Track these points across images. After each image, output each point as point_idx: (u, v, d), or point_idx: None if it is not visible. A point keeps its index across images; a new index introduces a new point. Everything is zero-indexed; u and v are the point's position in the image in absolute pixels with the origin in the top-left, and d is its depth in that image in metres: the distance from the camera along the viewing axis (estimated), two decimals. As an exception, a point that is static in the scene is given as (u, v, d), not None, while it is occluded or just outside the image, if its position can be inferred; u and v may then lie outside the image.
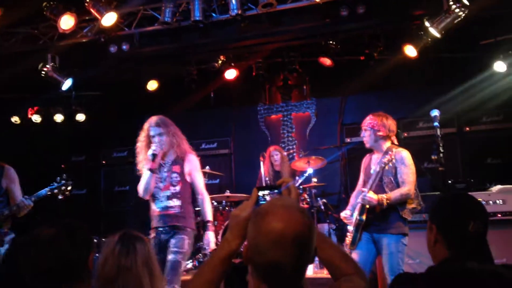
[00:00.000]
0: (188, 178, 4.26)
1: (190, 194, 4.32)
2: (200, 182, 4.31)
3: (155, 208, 4.24)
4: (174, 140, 4.27)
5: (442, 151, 4.03)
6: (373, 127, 4.17)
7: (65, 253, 1.92)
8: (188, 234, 4.13)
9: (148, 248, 2.32)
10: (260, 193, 1.83)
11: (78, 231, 2.00)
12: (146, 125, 4.31)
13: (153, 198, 4.28)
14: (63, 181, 4.30)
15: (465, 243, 1.89)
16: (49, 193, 4.25)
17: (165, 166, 4.30)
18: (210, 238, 4.23)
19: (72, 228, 1.99)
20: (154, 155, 4.15)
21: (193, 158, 4.33)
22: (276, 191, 1.83)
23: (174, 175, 4.24)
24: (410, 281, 1.74)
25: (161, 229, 4.15)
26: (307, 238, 1.52)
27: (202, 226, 4.48)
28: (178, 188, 4.22)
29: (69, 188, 4.30)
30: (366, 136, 4.24)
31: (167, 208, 4.18)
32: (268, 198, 1.83)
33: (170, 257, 3.99)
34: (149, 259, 2.26)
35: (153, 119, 4.30)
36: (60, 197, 4.29)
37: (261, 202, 1.80)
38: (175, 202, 4.18)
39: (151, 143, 4.24)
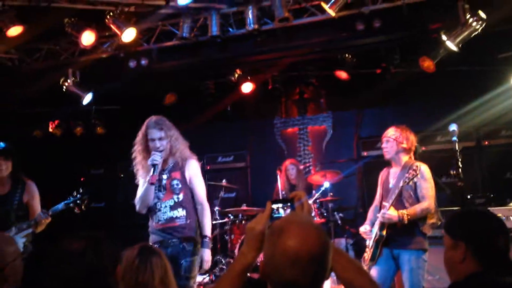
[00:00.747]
0: (189, 185, 3.89)
1: (194, 203, 3.92)
2: (200, 190, 3.91)
3: (156, 221, 3.84)
4: (176, 145, 3.90)
5: (461, 166, 3.99)
6: (397, 138, 4.16)
7: (94, 265, 1.92)
8: (197, 252, 3.78)
9: (164, 263, 2.35)
10: (274, 206, 1.85)
11: (105, 243, 2.01)
12: (144, 126, 3.93)
13: (153, 211, 3.87)
14: (79, 195, 4.30)
15: (495, 258, 1.89)
16: (65, 207, 4.27)
17: (164, 172, 3.91)
18: (206, 257, 3.80)
19: (99, 240, 1.99)
20: (155, 166, 3.75)
21: (194, 163, 3.96)
22: (289, 204, 1.85)
23: (175, 182, 3.86)
24: None
25: (169, 241, 3.77)
26: (323, 256, 1.54)
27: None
28: (181, 196, 3.83)
29: (85, 202, 4.30)
30: (387, 147, 4.21)
31: (172, 219, 3.79)
32: (281, 211, 1.85)
33: (181, 282, 3.59)
34: (165, 274, 2.30)
35: (153, 119, 3.92)
36: (76, 210, 4.30)
37: (275, 216, 1.82)
38: (180, 212, 3.80)
39: (149, 147, 3.88)
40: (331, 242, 1.64)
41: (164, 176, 3.90)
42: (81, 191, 4.32)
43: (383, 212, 3.96)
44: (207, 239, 3.82)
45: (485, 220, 1.99)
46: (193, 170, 3.93)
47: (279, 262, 1.52)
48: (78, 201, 4.29)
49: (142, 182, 3.93)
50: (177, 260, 3.68)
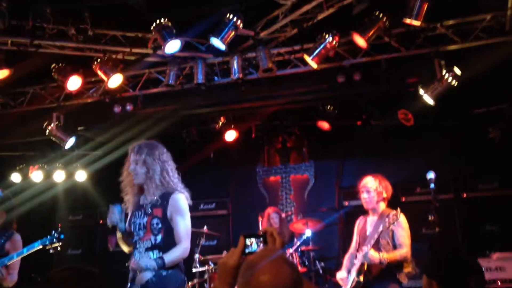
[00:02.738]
0: (171, 224, 3.50)
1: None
2: (181, 228, 3.48)
3: (133, 260, 3.53)
4: (155, 171, 3.52)
5: (438, 213, 4.07)
6: (377, 189, 4.24)
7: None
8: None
9: None
10: (247, 241, 1.86)
11: (88, 276, 2.00)
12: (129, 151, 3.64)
13: (134, 247, 3.58)
14: (56, 235, 4.27)
15: None
16: (41, 245, 4.23)
17: (145, 208, 3.56)
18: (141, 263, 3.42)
19: (82, 273, 1.99)
20: (113, 226, 3.49)
21: (178, 198, 3.53)
22: (261, 238, 1.86)
23: (155, 221, 3.49)
24: None
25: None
26: None
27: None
28: (159, 237, 3.46)
29: (60, 242, 4.25)
30: (368, 198, 4.28)
31: (154, 260, 3.42)
32: (254, 245, 1.85)
33: None
34: None
35: (136, 143, 3.62)
36: (51, 251, 4.25)
37: (247, 250, 1.82)
38: (155, 255, 3.44)
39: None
40: (303, 278, 1.65)
41: (145, 213, 3.56)
42: (58, 231, 4.27)
43: (365, 252, 3.98)
44: (160, 261, 3.40)
45: (457, 261, 2.02)
46: (176, 206, 3.51)
47: None
48: (54, 240, 4.24)
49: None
50: None
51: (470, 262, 2.02)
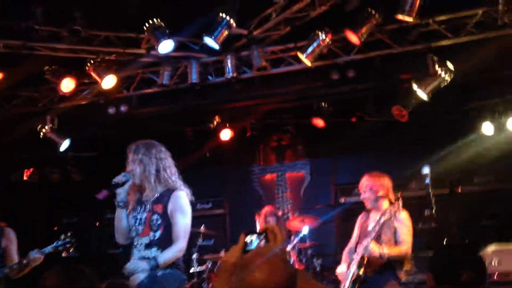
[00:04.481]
0: (171, 221, 3.46)
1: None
2: (180, 225, 3.45)
3: (132, 258, 3.52)
4: (152, 169, 3.52)
5: (434, 207, 4.09)
6: (372, 188, 4.26)
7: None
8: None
9: None
10: (248, 238, 1.87)
11: (80, 277, 2.00)
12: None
13: (132, 245, 3.55)
14: (68, 239, 4.28)
15: None
16: (54, 250, 4.23)
17: (146, 204, 3.55)
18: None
19: (74, 274, 1.98)
20: (115, 184, 3.46)
21: (179, 196, 3.51)
22: (262, 236, 1.87)
23: (155, 217, 3.47)
24: None
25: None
26: None
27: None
28: (158, 233, 3.43)
29: (73, 245, 4.27)
30: (366, 198, 4.31)
31: (145, 259, 3.41)
32: (255, 243, 1.86)
33: None
34: None
35: (134, 143, 3.63)
36: (64, 254, 4.26)
37: (247, 248, 1.83)
38: (154, 253, 3.41)
39: None
40: (299, 272, 1.66)
41: (145, 209, 3.54)
42: (69, 234, 4.27)
43: (366, 244, 3.99)
44: (153, 261, 3.36)
45: (452, 256, 2.03)
46: (176, 203, 3.48)
47: None
48: (67, 245, 4.24)
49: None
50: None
51: (464, 257, 2.02)
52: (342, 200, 7.53)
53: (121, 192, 3.50)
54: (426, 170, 4.30)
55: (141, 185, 3.58)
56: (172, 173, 3.63)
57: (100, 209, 8.48)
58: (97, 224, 8.49)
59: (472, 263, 1.99)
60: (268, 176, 8.31)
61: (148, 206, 3.53)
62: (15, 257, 4.33)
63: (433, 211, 4.08)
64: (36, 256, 4.16)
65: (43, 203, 8.21)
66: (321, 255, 7.04)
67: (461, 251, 2.06)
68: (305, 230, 6.47)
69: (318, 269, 6.57)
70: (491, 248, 5.41)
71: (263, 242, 1.87)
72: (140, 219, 3.53)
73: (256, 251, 1.67)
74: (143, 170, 3.52)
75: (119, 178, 3.50)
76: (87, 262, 8.23)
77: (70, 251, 4.28)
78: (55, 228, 8.44)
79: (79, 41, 5.19)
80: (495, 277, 5.09)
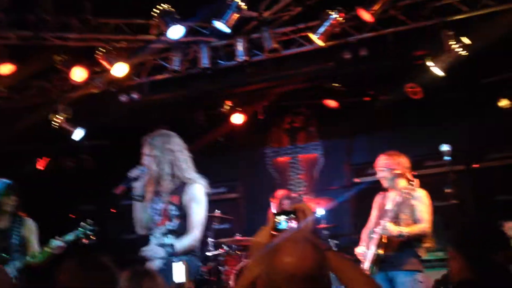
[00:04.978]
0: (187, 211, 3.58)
1: None
2: (195, 216, 3.55)
3: (147, 247, 3.65)
4: (166, 165, 3.59)
5: (454, 184, 4.07)
6: (388, 166, 4.24)
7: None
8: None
9: (156, 284, 2.34)
10: (277, 218, 1.87)
11: (100, 267, 1.98)
12: None
13: (150, 234, 3.69)
14: (88, 226, 4.34)
15: (490, 271, 1.91)
16: (75, 237, 4.29)
17: (162, 195, 3.66)
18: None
19: (90, 262, 1.97)
20: (131, 178, 3.55)
21: (195, 188, 3.60)
22: (292, 215, 1.87)
23: (172, 207, 3.59)
24: None
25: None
26: (318, 273, 1.55)
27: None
28: (174, 223, 3.57)
29: (94, 233, 4.34)
30: (383, 177, 4.29)
31: (162, 246, 3.54)
32: (284, 223, 1.86)
33: None
34: None
35: (148, 136, 3.71)
36: (84, 241, 4.31)
37: (278, 227, 1.84)
38: (171, 240, 3.54)
39: None
40: (333, 253, 1.65)
41: (162, 200, 3.65)
42: (89, 222, 4.32)
43: (384, 225, 3.99)
44: (170, 249, 3.47)
45: (484, 234, 2.02)
46: (192, 194, 3.58)
47: (275, 280, 1.54)
48: (88, 232, 4.29)
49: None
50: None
51: (496, 236, 2.01)
52: (357, 180, 7.50)
53: (137, 186, 3.60)
54: (445, 147, 4.25)
55: (157, 178, 3.66)
56: (187, 167, 3.69)
57: (116, 196, 8.56)
58: (113, 211, 8.56)
59: (503, 242, 1.98)
60: (281, 159, 8.28)
61: (164, 197, 3.63)
62: (35, 247, 4.40)
63: (453, 189, 4.06)
64: (58, 244, 4.20)
65: (59, 192, 8.30)
66: (337, 236, 7.06)
67: (491, 231, 2.04)
68: (320, 211, 6.48)
69: (334, 249, 6.59)
70: (508, 224, 5.38)
71: (293, 222, 1.86)
72: (158, 210, 3.64)
73: (284, 235, 1.66)
74: (158, 164, 3.60)
75: (134, 172, 3.58)
76: (104, 248, 8.33)
77: (91, 238, 4.31)
78: (73, 216, 8.54)
79: (89, 30, 5.16)
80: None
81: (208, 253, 6.68)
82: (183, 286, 2.00)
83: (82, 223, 4.35)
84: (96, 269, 1.97)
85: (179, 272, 1.96)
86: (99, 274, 1.95)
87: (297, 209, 1.89)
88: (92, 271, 1.95)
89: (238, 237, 6.78)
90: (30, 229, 4.46)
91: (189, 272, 3.32)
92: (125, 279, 2.25)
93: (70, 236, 4.28)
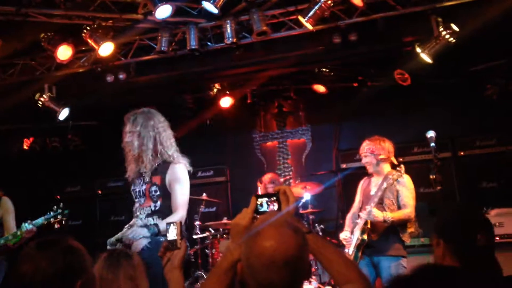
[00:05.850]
0: (170, 191, 3.58)
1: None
2: (178, 196, 3.54)
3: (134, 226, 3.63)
4: (150, 142, 3.56)
5: (439, 170, 4.08)
6: (373, 151, 4.24)
7: (42, 268, 1.72)
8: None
9: (134, 264, 2.34)
10: (259, 200, 1.85)
11: (58, 249, 1.79)
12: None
13: (135, 214, 3.71)
14: (60, 210, 4.26)
15: (473, 256, 1.91)
16: (45, 222, 4.22)
17: (144, 176, 3.64)
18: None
19: (50, 246, 1.80)
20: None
21: (177, 168, 3.59)
22: (274, 198, 1.85)
23: (154, 188, 3.58)
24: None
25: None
26: (298, 258, 1.54)
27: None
28: (158, 204, 3.57)
29: (66, 216, 4.26)
30: (367, 162, 4.30)
31: (147, 227, 3.51)
32: (265, 205, 1.84)
33: None
34: (134, 274, 2.29)
35: (132, 113, 3.66)
36: (56, 226, 4.25)
37: (260, 209, 1.82)
38: (155, 221, 3.54)
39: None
40: (313, 235, 1.63)
41: (144, 181, 3.64)
42: (61, 205, 4.25)
43: (369, 210, 4.01)
44: (154, 228, 3.45)
45: (465, 218, 2.01)
46: (174, 174, 3.58)
47: (254, 264, 1.53)
48: (59, 216, 4.23)
49: None
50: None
51: (475, 219, 2.01)
52: (344, 166, 7.53)
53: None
54: (431, 133, 4.27)
55: (139, 155, 3.61)
56: (171, 145, 3.67)
57: (102, 177, 8.52)
58: (99, 192, 8.54)
59: (485, 225, 1.98)
60: (270, 143, 8.28)
61: (146, 178, 3.63)
62: (12, 226, 4.35)
63: (438, 175, 4.07)
64: (28, 228, 4.15)
65: (44, 173, 8.23)
66: (323, 221, 7.10)
67: (472, 214, 2.04)
68: (307, 196, 6.50)
69: (320, 234, 6.63)
70: (493, 211, 5.45)
71: (275, 205, 1.85)
72: (140, 191, 3.64)
73: (264, 218, 1.65)
74: (141, 142, 3.57)
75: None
76: (90, 229, 8.34)
77: (63, 222, 4.26)
78: (57, 197, 8.48)
79: (74, 7, 5.05)
80: (497, 239, 5.14)
81: (195, 236, 6.69)
82: (175, 243, 1.99)
83: (54, 207, 4.27)
84: (59, 253, 1.76)
85: (171, 231, 1.98)
86: (64, 258, 1.75)
87: (279, 191, 1.87)
88: (55, 254, 1.75)
89: (225, 220, 6.80)
90: (7, 208, 4.39)
91: (181, 232, 3.33)
92: (101, 260, 2.23)
93: (40, 220, 4.21)
